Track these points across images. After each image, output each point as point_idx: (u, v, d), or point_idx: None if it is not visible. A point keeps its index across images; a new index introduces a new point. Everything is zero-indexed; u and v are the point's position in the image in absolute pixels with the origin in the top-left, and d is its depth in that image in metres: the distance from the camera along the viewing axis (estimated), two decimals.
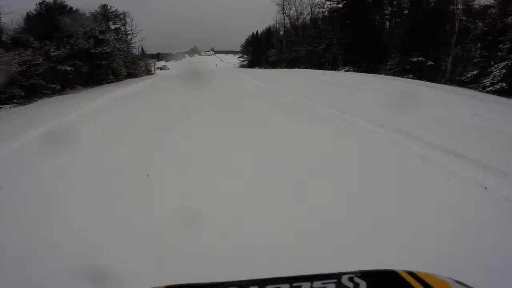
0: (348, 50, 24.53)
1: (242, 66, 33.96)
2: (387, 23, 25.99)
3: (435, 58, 17.05)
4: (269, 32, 31.78)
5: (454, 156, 3.35)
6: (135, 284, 1.55)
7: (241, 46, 37.06)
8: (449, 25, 16.90)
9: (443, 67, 15.93)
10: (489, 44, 14.15)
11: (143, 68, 21.16)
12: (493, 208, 2.42)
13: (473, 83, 13.68)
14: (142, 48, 24.77)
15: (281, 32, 30.69)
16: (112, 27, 18.35)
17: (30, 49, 11.34)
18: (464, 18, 16.28)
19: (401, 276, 0.42)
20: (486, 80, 12.98)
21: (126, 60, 18.08)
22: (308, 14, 30.25)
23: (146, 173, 3.19)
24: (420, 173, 3.11)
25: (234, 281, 0.44)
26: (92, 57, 14.87)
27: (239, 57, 38.32)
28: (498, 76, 12.55)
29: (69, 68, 13.70)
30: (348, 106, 6.37)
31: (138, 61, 20.31)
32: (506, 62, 12.64)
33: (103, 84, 16.24)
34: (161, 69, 36.43)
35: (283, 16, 30.25)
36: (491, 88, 12.47)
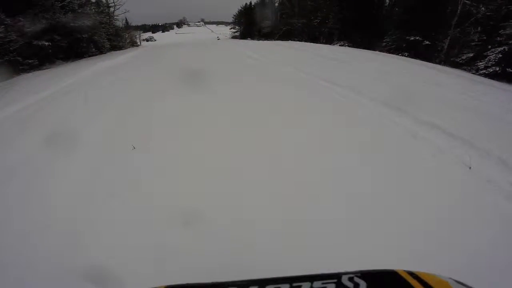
0: (345, 25, 23.57)
1: (234, 37, 32.36)
2: (387, 0, 24.72)
3: (432, 38, 16.51)
4: (263, 3, 29.88)
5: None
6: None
7: (233, 17, 35.01)
8: (450, 7, 16.19)
9: (439, 48, 15.48)
10: (490, 28, 13.67)
11: (128, 40, 19.87)
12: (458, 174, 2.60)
13: (467, 65, 13.43)
14: (126, 20, 22.97)
15: (276, 4, 28.94)
16: (93, 0, 16.85)
17: (2, 26, 10.34)
18: (468, 1, 15.52)
19: (401, 276, 0.41)
20: (480, 63, 12.75)
21: (108, 33, 16.84)
22: None
23: (132, 146, 3.28)
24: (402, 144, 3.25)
25: (234, 281, 0.43)
26: (71, 31, 13.69)
27: (231, 28, 36.24)
28: (493, 60, 12.33)
29: (46, 43, 12.62)
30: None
31: (122, 34, 18.99)
32: (503, 47, 12.34)
33: (85, 57, 15.19)
34: (147, 40, 34.28)
35: None
36: (484, 71, 12.30)
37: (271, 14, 28.27)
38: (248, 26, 28.89)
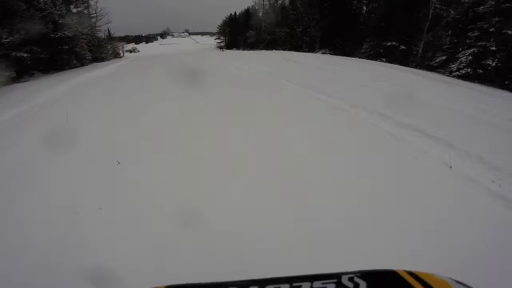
0: (325, 33, 23.97)
1: (219, 47, 32.24)
2: (364, 7, 25.36)
3: (407, 43, 16.88)
4: (247, 14, 30.12)
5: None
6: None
7: (218, 27, 34.99)
8: (423, 11, 16.66)
9: (414, 52, 15.81)
10: (459, 31, 14.08)
11: (110, 52, 19.40)
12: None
13: (441, 68, 13.71)
14: (109, 31, 22.52)
15: (260, 14, 29.23)
16: (74, 10, 16.37)
17: None
18: (438, 6, 16.02)
19: (401, 276, 0.41)
20: (453, 66, 13.02)
21: (90, 44, 16.40)
22: None
23: (117, 161, 3.02)
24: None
25: (234, 281, 0.42)
26: (51, 42, 13.21)
27: (216, 38, 36.21)
28: (464, 62, 12.61)
29: (25, 55, 12.11)
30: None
31: (104, 45, 18.54)
32: (473, 49, 12.67)
33: (66, 69, 14.67)
34: (130, 51, 33.69)
35: None
36: (457, 73, 12.56)
37: (256, 24, 28.54)
38: (233, 36, 29.00)
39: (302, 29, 26.75)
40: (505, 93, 10.08)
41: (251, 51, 24.16)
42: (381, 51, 18.06)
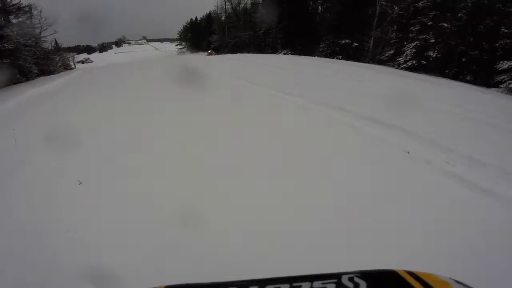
0: (286, 34, 24.17)
1: (181, 53, 30.97)
2: (319, 7, 25.96)
3: (359, 40, 17.41)
4: (209, 18, 29.56)
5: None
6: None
7: (178, 33, 33.88)
8: (371, 9, 17.29)
9: (366, 48, 16.33)
10: (403, 26, 14.74)
11: (59, 64, 17.84)
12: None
13: (390, 61, 14.24)
14: (56, 41, 20.74)
15: (223, 18, 28.80)
16: (14, 21, 14.82)
17: None
18: (384, 2, 16.71)
19: (401, 276, 0.40)
20: (400, 59, 13.57)
21: (36, 57, 14.97)
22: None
23: (78, 181, 2.59)
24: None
25: (234, 281, 0.42)
26: None
27: (177, 44, 35.09)
28: (409, 55, 13.18)
29: None
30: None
31: (52, 56, 17.02)
32: (416, 43, 13.30)
33: (9, 85, 13.19)
34: (82, 62, 31.40)
35: (224, 1, 28.33)
36: (404, 65, 13.09)
37: (219, 28, 28.10)
38: (195, 41, 28.31)
39: (264, 31, 26.81)
40: (446, 81, 10.74)
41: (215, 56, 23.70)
42: (337, 49, 18.49)
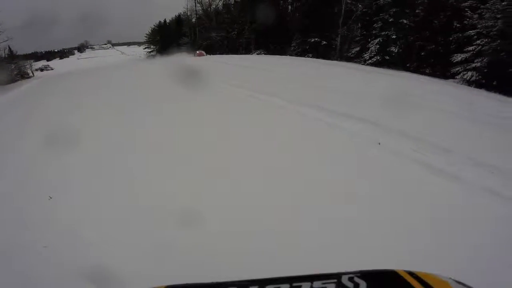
0: (258, 34, 24.17)
1: (151, 56, 29.40)
2: (289, 7, 26.24)
3: (328, 38, 17.68)
4: (179, 20, 28.75)
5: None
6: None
7: (146, 36, 32.48)
8: (337, 7, 17.65)
9: (333, 46, 16.59)
10: (366, 23, 15.13)
11: (15, 72, 16.36)
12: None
13: (357, 58, 14.53)
14: (10, 48, 18.96)
15: (193, 20, 28.17)
16: None
17: None
18: (349, 1, 17.09)
19: (401, 276, 0.40)
20: (365, 55, 13.87)
21: None
22: (221, 0, 28.55)
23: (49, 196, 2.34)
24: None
25: (234, 281, 0.42)
26: None
27: (145, 47, 33.67)
28: (374, 51, 13.51)
29: None
30: None
31: (6, 65, 15.56)
32: (379, 39, 13.65)
33: None
34: (41, 70, 29.30)
35: (195, 3, 27.76)
36: (370, 61, 13.39)
37: (189, 30, 27.44)
38: (164, 44, 27.42)
39: (237, 32, 26.63)
40: (408, 74, 11.09)
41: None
42: (307, 47, 18.68)
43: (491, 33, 9.27)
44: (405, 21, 12.75)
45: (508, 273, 1.41)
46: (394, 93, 5.35)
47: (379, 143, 3.03)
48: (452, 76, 10.03)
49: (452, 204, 2.00)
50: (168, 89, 5.50)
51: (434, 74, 10.64)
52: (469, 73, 9.45)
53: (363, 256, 1.31)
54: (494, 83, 8.65)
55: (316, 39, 18.09)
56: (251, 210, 1.91)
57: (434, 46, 11.32)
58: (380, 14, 14.01)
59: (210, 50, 25.81)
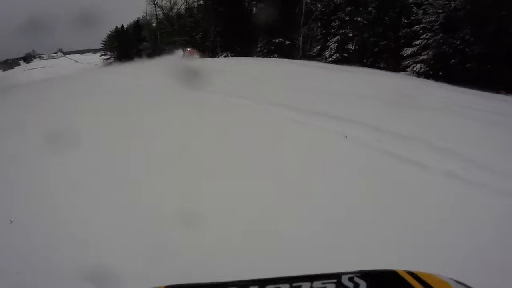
0: (224, 36, 23.97)
1: (108, 64, 27.65)
2: (254, 8, 26.40)
3: (291, 38, 17.94)
4: (138, 25, 27.61)
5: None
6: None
7: (102, 43, 30.69)
8: (298, 7, 18.00)
9: (296, 45, 16.86)
10: (325, 22, 15.55)
11: None
12: None
13: (318, 56, 14.86)
14: None
15: (154, 24, 27.21)
16: None
17: None
18: (309, 1, 17.46)
19: (401, 276, 0.40)
20: (326, 53, 14.21)
21: None
22: (183, 4, 27.94)
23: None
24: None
25: (234, 281, 0.42)
26: None
27: (102, 55, 31.80)
28: (333, 49, 13.88)
29: None
30: None
31: None
32: (337, 37, 14.06)
33: None
34: None
35: (155, 7, 26.79)
36: (330, 59, 13.73)
37: (150, 35, 26.46)
38: (123, 50, 26.12)
39: (201, 35, 26.22)
40: (365, 69, 11.54)
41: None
42: (272, 48, 18.83)
43: (434, 27, 9.90)
44: (359, 19, 13.25)
45: None
46: (349, 89, 5.78)
47: (346, 136, 3.23)
48: (404, 69, 10.58)
49: None
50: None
51: (387, 68, 11.18)
52: (418, 65, 10.01)
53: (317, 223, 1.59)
54: (440, 73, 9.22)
55: (280, 39, 18.33)
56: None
57: (386, 41, 11.89)
58: (337, 13, 14.46)
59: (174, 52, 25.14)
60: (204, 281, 0.43)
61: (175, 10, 28.04)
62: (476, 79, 7.94)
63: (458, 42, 8.96)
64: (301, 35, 16.69)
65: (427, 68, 9.73)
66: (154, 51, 22.84)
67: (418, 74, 9.88)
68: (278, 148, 3.00)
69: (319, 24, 16.34)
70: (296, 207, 1.89)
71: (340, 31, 13.89)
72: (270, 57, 17.86)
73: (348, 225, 1.71)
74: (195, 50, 17.46)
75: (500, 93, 7.35)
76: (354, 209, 1.84)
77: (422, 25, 10.34)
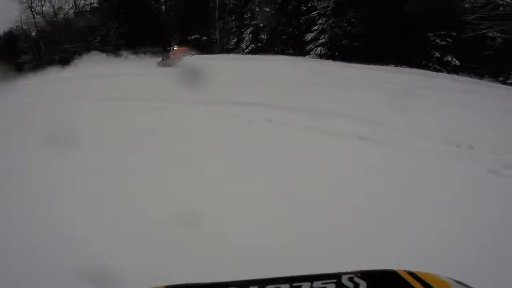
0: (129, 38, 25.71)
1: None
2: (163, 7, 29.11)
3: (208, 33, 21.13)
4: (11, 36, 27.63)
5: None
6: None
7: None
8: (212, 2, 21.37)
9: (214, 40, 20.06)
10: (239, 15, 19.23)
11: None
12: None
13: (236, 49, 18.29)
14: None
15: (34, 33, 27.58)
16: None
17: None
18: None
19: (401, 276, 0.49)
20: (242, 45, 17.70)
21: None
22: (71, 8, 28.92)
23: None
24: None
25: (234, 281, 0.50)
26: None
27: None
28: (248, 40, 17.45)
29: None
30: None
31: None
32: (250, 28, 17.72)
33: None
34: None
35: (33, 15, 27.11)
36: (247, 50, 17.21)
37: (30, 45, 26.64)
38: None
39: (100, 40, 27.50)
40: (278, 57, 15.12)
41: None
42: (190, 45, 21.69)
43: (327, 13, 14.13)
44: (267, 9, 17.19)
45: None
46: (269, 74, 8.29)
47: (270, 121, 4.48)
48: (308, 52, 14.55)
49: None
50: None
51: (295, 53, 15.10)
52: (319, 49, 14.04)
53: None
54: (336, 54, 13.31)
55: (196, 35, 21.33)
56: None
57: (291, 29, 15.98)
58: (249, 5, 18.26)
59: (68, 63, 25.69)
60: (204, 281, 0.52)
61: (62, 16, 28.83)
62: (363, 56, 12.02)
63: (346, 24, 13.19)
64: (217, 29, 20.04)
65: (326, 50, 13.81)
66: (39, 63, 23.20)
67: (320, 56, 13.87)
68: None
69: (233, 17, 19.97)
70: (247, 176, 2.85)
71: (253, 22, 17.62)
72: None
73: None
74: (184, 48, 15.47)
75: (399, 66, 11.33)
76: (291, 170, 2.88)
77: (318, 11, 14.56)
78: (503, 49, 10.43)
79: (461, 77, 10.23)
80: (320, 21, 14.35)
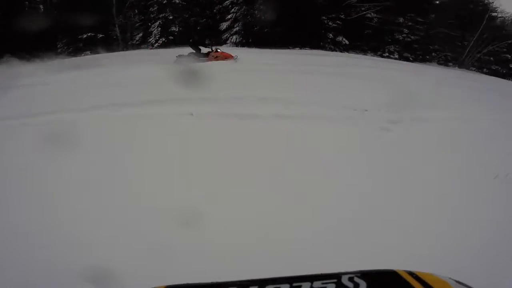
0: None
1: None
2: (41, 6, 28.80)
3: (104, 30, 22.02)
4: None
5: None
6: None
7: None
8: None
9: (114, 37, 21.12)
10: (143, 9, 20.87)
11: None
12: None
13: (143, 44, 19.75)
14: None
15: None
16: None
17: None
18: None
19: (401, 276, 0.57)
20: (151, 39, 19.28)
21: None
22: None
23: None
24: None
25: (234, 281, 0.58)
26: None
27: None
28: (157, 34, 19.16)
29: None
30: None
31: None
32: (158, 22, 19.52)
33: None
34: None
35: None
36: (156, 44, 18.83)
37: None
38: None
39: None
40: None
41: None
42: (81, 45, 22.10)
43: (239, 1, 16.96)
44: (177, 1, 19.35)
45: None
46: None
47: (192, 114, 4.91)
48: (225, 42, 17.01)
49: None
50: None
51: (212, 43, 17.44)
52: (234, 37, 16.64)
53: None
54: (250, 40, 16.03)
55: (90, 33, 21.92)
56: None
57: (205, 19, 18.41)
58: None
59: None
60: (204, 281, 0.59)
61: None
62: (273, 41, 14.88)
63: (256, 12, 16.11)
64: (117, 25, 21.21)
65: (241, 38, 16.47)
66: None
67: (236, 44, 16.43)
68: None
69: (136, 11, 21.52)
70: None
71: (161, 15, 19.48)
72: (82, 55, 20.99)
73: None
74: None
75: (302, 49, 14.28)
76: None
77: (231, 0, 17.34)
78: (378, 27, 14.82)
79: (352, 54, 14.11)
80: (233, 10, 17.06)
